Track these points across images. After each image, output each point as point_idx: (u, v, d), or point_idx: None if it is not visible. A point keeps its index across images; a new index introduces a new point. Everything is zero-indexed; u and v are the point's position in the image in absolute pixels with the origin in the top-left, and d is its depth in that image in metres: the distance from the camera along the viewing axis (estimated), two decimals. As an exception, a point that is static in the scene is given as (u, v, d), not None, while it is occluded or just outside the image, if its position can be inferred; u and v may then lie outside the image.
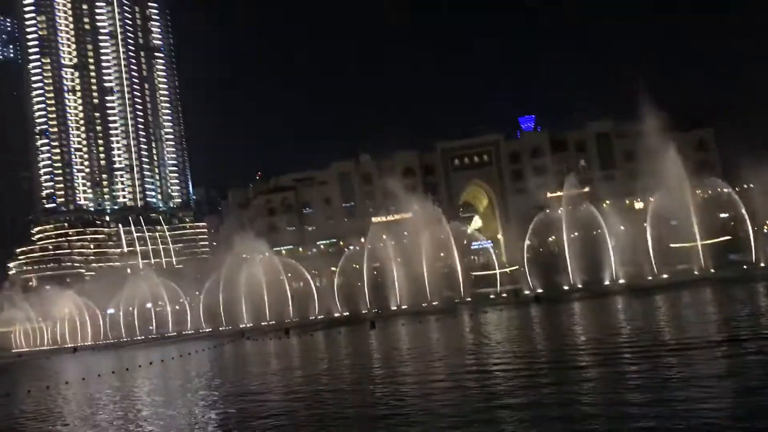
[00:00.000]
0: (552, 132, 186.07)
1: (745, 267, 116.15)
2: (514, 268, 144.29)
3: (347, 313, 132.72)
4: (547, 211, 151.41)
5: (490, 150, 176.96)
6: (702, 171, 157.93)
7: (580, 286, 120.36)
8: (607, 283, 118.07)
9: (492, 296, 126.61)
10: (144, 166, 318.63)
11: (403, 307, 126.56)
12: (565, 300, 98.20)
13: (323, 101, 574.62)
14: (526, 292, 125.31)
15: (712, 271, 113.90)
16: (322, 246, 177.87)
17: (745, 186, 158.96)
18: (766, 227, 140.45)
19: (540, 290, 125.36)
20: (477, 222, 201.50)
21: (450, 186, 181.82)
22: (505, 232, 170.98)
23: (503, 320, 76.95)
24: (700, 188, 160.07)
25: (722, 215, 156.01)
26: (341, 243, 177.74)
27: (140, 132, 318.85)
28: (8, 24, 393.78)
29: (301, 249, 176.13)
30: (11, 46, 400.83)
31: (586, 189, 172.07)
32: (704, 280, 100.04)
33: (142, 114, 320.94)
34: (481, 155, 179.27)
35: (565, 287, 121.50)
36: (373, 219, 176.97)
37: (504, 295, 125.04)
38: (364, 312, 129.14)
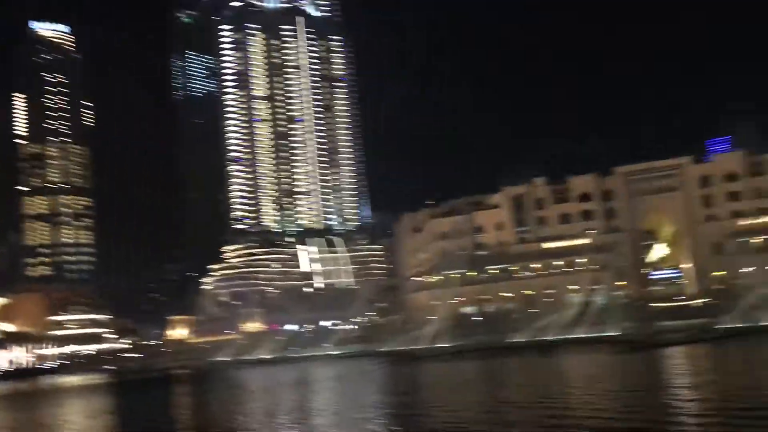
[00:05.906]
0: (748, 154, 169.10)
1: None
2: (705, 300, 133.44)
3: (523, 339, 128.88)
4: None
5: (675, 174, 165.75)
6: None
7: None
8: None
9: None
10: (324, 190, 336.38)
11: (576, 335, 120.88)
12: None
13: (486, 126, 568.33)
14: (719, 326, 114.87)
15: None
16: (491, 271, 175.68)
17: None
18: None
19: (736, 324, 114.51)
20: (659, 250, 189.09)
21: (632, 212, 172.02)
22: (692, 261, 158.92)
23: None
24: None
25: None
26: (510, 269, 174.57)
27: (321, 158, 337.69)
28: (209, 60, 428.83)
29: (471, 273, 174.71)
30: (208, 81, 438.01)
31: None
32: None
33: (324, 141, 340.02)
34: (664, 179, 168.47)
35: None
36: (545, 245, 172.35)
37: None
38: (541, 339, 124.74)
